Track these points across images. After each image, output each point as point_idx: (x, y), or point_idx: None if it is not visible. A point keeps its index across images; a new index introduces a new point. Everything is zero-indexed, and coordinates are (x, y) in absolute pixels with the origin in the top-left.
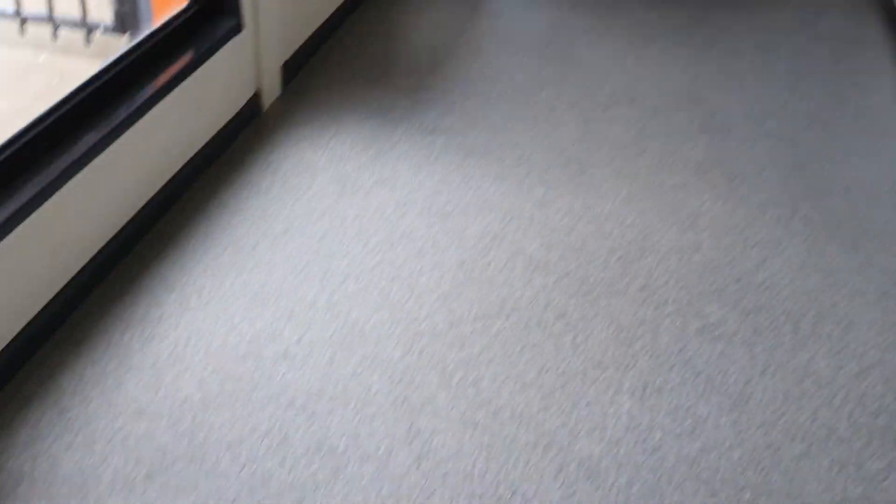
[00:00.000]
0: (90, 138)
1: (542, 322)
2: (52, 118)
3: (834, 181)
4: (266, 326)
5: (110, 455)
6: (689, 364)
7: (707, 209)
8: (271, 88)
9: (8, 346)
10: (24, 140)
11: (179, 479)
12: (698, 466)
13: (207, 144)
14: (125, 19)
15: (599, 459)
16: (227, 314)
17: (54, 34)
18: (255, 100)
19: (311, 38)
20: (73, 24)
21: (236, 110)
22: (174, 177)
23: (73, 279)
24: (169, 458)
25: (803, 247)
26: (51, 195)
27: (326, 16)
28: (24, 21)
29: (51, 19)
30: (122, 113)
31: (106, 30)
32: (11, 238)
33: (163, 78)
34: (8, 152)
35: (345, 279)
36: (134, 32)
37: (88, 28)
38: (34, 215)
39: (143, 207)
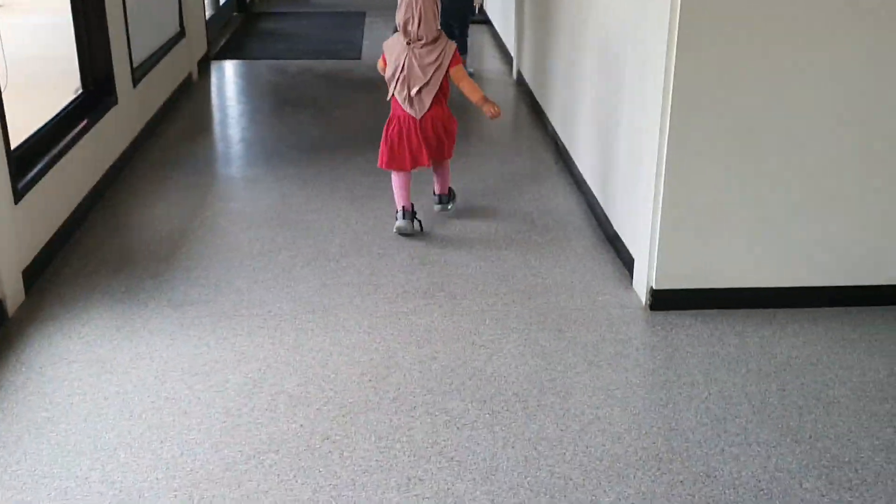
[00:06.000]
0: None
1: (311, 447)
2: None
3: (536, 284)
4: None
5: None
6: (443, 453)
7: (438, 325)
8: (14, 294)
9: None
10: None
11: None
12: None
13: None
14: None
15: None
16: None
17: None
18: None
19: (52, 239)
20: None
21: None
22: None
23: None
24: None
25: (520, 340)
26: None
27: (63, 218)
28: None
29: None
30: None
31: None
32: None
33: None
34: None
35: (115, 450)
36: None
37: None
38: None
39: None
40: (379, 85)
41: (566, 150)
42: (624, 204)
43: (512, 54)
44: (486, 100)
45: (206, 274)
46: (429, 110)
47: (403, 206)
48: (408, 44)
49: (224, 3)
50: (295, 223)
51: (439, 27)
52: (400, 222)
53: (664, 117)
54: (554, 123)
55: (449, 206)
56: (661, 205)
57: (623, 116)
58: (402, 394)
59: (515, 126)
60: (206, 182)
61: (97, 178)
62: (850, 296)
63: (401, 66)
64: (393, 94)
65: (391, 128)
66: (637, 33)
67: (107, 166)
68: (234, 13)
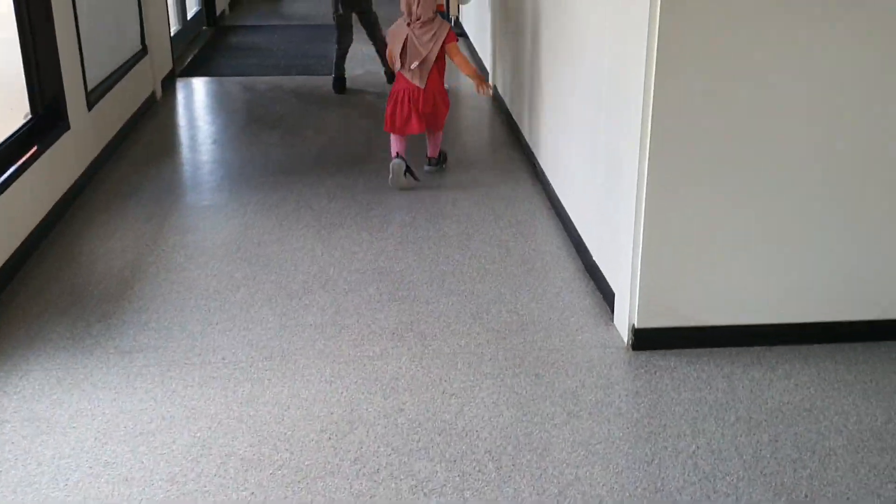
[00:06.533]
0: None
1: None
2: None
3: (511, 321)
4: None
5: None
6: None
7: (405, 371)
8: None
9: None
10: None
11: None
12: None
13: None
14: None
15: None
16: None
17: None
18: None
19: None
20: None
21: None
22: None
23: None
24: None
25: (494, 387)
26: None
27: (8, 255)
28: None
29: None
30: None
31: None
32: None
33: None
34: None
35: None
36: None
37: None
38: None
39: None
40: (350, 102)
41: (543, 171)
42: (602, 232)
43: (488, 69)
44: (479, 75)
45: (157, 316)
46: (428, 81)
47: (397, 152)
48: (408, 25)
49: (192, 17)
50: (256, 256)
51: (436, 11)
52: (392, 162)
53: (644, 140)
54: (530, 142)
55: (441, 167)
56: (641, 235)
57: (601, 138)
58: (364, 454)
59: (492, 143)
60: (164, 211)
61: (46, 210)
62: (844, 332)
63: (404, 45)
64: (399, 70)
65: (393, 99)
66: (616, 51)
67: (57, 197)
68: (204, 27)
